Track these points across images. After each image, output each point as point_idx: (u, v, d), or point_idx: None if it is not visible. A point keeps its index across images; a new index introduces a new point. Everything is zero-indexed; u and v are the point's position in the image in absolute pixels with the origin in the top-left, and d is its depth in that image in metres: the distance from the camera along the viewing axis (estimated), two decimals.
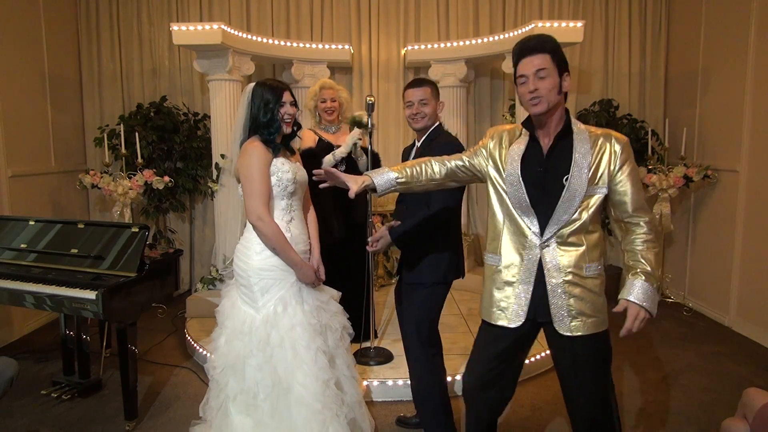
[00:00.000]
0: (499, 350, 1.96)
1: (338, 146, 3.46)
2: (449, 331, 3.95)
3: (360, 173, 3.46)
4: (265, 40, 4.57)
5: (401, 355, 2.75)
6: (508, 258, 1.90)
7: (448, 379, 3.01)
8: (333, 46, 4.89)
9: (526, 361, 3.41)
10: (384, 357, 3.42)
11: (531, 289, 1.86)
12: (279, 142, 2.33)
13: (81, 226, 3.08)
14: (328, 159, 3.39)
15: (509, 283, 1.90)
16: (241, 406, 2.27)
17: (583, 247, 1.83)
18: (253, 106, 2.30)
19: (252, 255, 2.27)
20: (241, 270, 2.30)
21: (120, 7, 5.19)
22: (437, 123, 2.58)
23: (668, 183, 4.52)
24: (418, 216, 2.42)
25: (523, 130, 1.92)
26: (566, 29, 4.13)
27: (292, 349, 2.21)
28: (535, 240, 1.84)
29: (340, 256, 3.38)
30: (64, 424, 2.90)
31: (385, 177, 1.95)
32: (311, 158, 3.34)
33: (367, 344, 3.49)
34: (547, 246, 1.83)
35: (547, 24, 4.10)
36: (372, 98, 3.13)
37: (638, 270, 1.81)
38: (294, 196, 2.34)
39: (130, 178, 4.33)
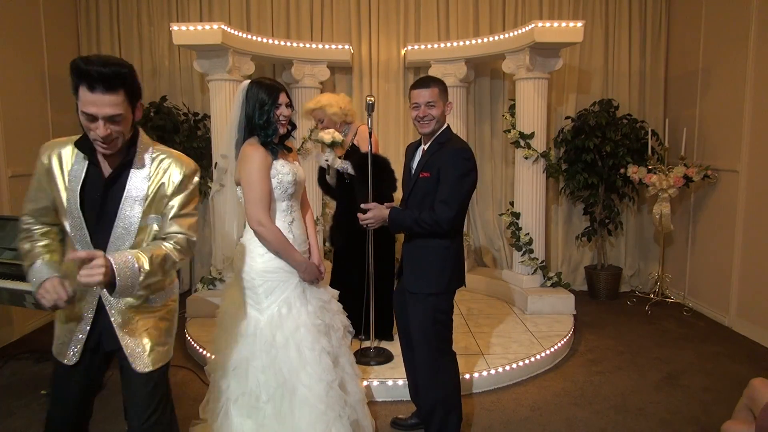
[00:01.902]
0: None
1: (350, 147, 3.56)
2: None
3: (351, 178, 3.52)
4: (265, 40, 4.57)
5: (402, 354, 2.76)
6: None
7: None
8: (333, 46, 4.89)
9: (526, 361, 3.44)
10: (384, 357, 3.42)
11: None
12: (276, 143, 2.32)
13: None
14: (329, 179, 3.60)
15: None
16: (243, 408, 2.26)
17: None
18: (247, 106, 2.26)
19: (255, 257, 2.26)
20: (244, 273, 2.29)
21: (120, 7, 5.20)
22: (445, 126, 2.47)
23: (668, 183, 4.52)
24: (423, 216, 2.34)
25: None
26: (566, 29, 4.13)
27: (297, 351, 2.21)
28: None
29: (343, 256, 3.40)
30: None
31: None
32: (322, 173, 3.67)
33: (367, 344, 3.49)
34: None
35: (547, 24, 4.10)
36: (372, 98, 3.12)
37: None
38: (294, 197, 2.34)
39: None
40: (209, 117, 4.65)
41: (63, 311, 1.80)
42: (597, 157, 4.88)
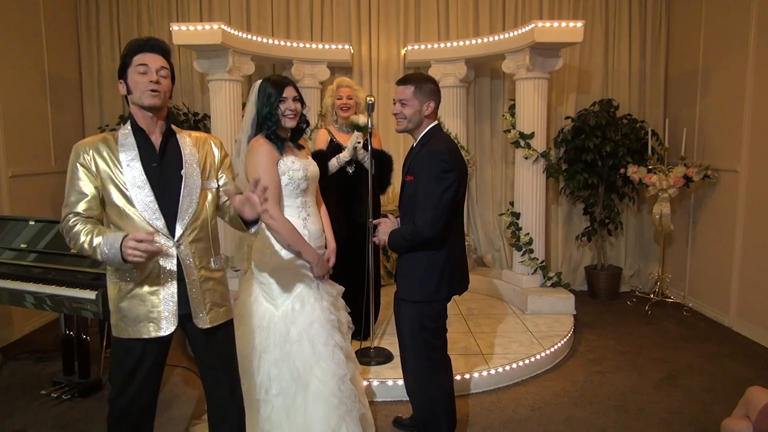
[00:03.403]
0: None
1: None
2: (449, 331, 3.95)
3: (367, 174, 3.51)
4: (265, 40, 4.58)
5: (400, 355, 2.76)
6: None
7: None
8: (333, 46, 4.89)
9: (526, 361, 3.44)
10: (384, 357, 3.42)
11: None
12: (286, 138, 2.33)
13: None
14: (332, 163, 3.47)
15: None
16: (252, 400, 2.29)
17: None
18: (258, 102, 2.31)
19: (270, 254, 2.30)
20: (259, 269, 2.33)
21: (120, 7, 5.20)
22: (433, 125, 2.33)
23: (668, 183, 4.52)
24: (406, 229, 2.29)
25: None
26: (566, 29, 4.13)
27: (311, 346, 2.24)
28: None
29: (343, 255, 3.40)
30: (64, 424, 2.90)
31: None
32: (320, 160, 3.40)
33: (367, 344, 3.49)
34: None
35: (547, 24, 4.10)
36: (372, 98, 3.13)
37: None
38: (307, 192, 2.36)
39: None
40: (209, 117, 4.65)
41: (143, 286, 1.82)
42: (597, 157, 4.88)
